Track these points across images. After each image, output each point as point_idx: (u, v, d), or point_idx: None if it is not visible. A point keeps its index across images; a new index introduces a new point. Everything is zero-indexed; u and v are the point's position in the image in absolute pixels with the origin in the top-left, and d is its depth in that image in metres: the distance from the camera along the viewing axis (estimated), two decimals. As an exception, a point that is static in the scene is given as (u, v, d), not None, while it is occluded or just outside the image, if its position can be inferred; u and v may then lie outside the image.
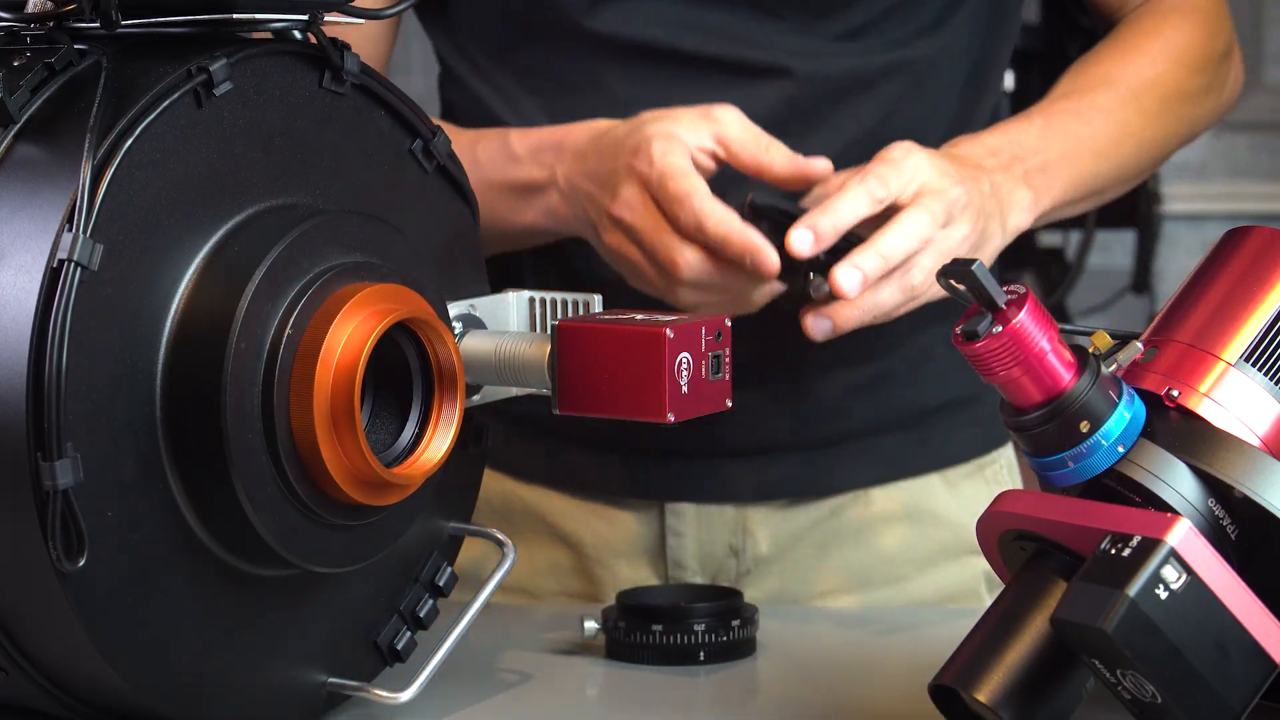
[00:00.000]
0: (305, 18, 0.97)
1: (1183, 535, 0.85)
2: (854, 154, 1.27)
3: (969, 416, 1.37)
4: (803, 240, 1.15)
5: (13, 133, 0.90)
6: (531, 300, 1.08)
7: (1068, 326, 0.93)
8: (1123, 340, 0.92)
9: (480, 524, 1.08)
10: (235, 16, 0.94)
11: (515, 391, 1.07)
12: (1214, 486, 0.89)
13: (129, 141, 0.89)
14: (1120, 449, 0.89)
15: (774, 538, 1.35)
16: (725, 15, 1.28)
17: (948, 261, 0.92)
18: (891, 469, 1.36)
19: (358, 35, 1.05)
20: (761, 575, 1.35)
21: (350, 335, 0.92)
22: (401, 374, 0.98)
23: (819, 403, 1.34)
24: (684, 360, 0.97)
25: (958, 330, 0.90)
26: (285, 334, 0.92)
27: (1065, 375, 0.89)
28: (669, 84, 1.28)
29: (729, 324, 1.00)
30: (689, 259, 1.18)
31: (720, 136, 1.21)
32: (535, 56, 1.31)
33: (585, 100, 1.29)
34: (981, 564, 1.33)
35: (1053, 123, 1.30)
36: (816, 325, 1.18)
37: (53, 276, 0.86)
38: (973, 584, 1.36)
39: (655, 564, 1.35)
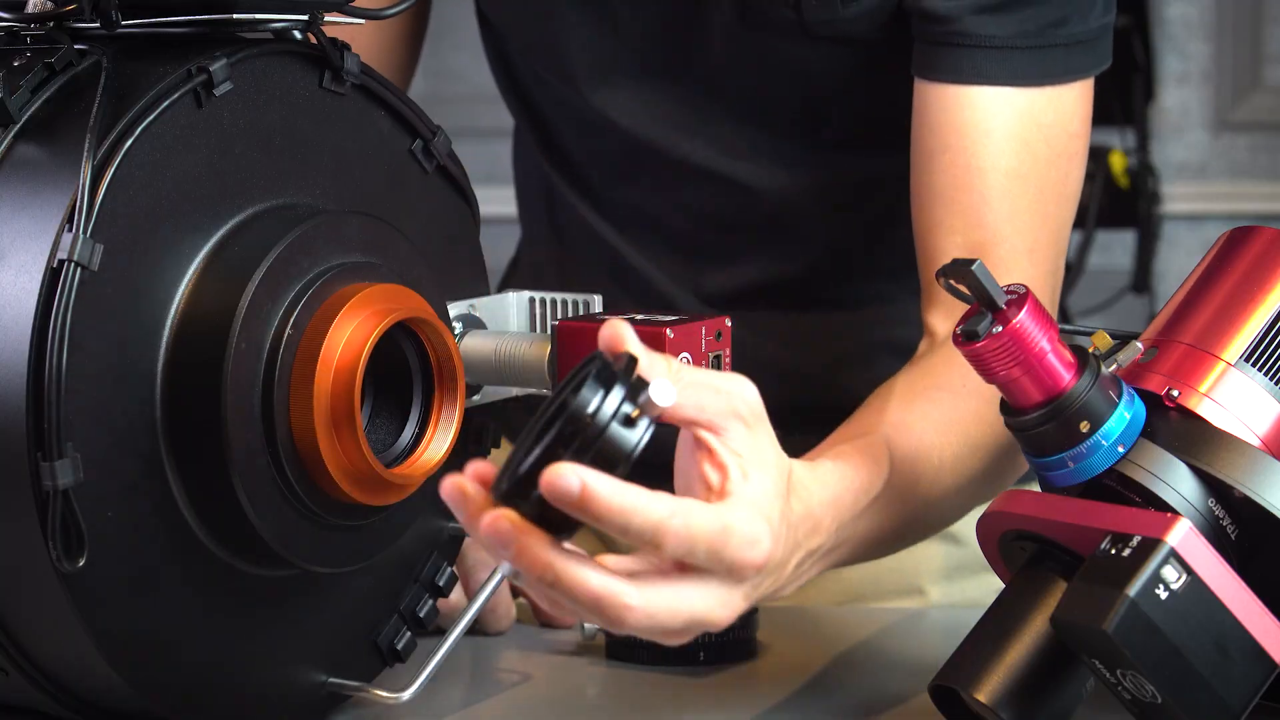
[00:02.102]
0: (305, 18, 0.97)
1: (1183, 535, 0.85)
2: (836, 268, 1.26)
3: None
4: (566, 484, 0.78)
5: (13, 133, 0.90)
6: (531, 300, 1.08)
7: (1068, 326, 0.93)
8: (1123, 340, 0.92)
9: None
10: (235, 16, 0.94)
11: (515, 391, 1.07)
12: (1214, 486, 0.89)
13: (129, 142, 0.89)
14: (1120, 449, 0.89)
15: None
16: (700, 116, 1.26)
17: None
18: None
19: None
20: None
21: (350, 335, 0.92)
22: (401, 374, 0.98)
23: (825, 432, 1.30)
24: (684, 360, 0.97)
25: (958, 330, 0.90)
26: (285, 334, 0.92)
27: (1065, 375, 0.89)
28: (644, 175, 1.29)
29: (729, 324, 1.00)
30: None
31: None
32: (562, 93, 1.31)
33: (603, 144, 1.30)
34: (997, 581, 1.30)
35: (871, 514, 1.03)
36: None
37: (53, 276, 0.86)
38: (988, 600, 1.34)
39: None
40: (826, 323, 1.31)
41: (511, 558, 0.79)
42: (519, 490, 0.78)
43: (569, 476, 0.78)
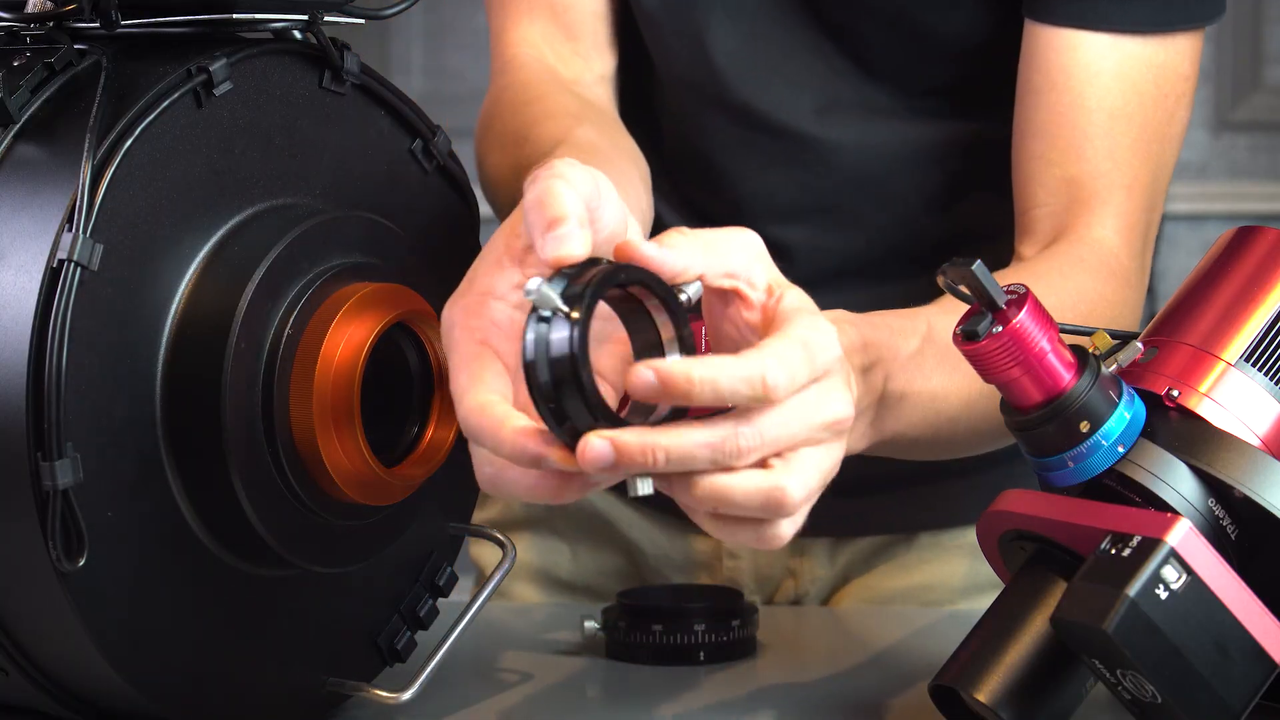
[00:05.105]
0: (305, 18, 0.97)
1: (1183, 535, 0.85)
2: (906, 234, 1.24)
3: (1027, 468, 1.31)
4: (598, 453, 0.77)
5: (13, 133, 0.90)
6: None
7: (1068, 326, 0.93)
8: (1123, 340, 0.92)
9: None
10: (235, 16, 0.94)
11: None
12: (1214, 486, 0.89)
13: (129, 141, 0.89)
14: (1120, 449, 0.89)
15: (831, 562, 1.34)
16: (801, 56, 1.23)
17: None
18: (937, 515, 1.32)
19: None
20: (820, 595, 1.35)
21: (350, 335, 0.92)
22: (401, 374, 0.98)
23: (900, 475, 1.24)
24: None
25: (958, 330, 0.90)
26: (285, 334, 0.92)
27: (1065, 375, 0.89)
28: (731, 131, 1.25)
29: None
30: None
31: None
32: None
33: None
34: None
35: (938, 355, 1.05)
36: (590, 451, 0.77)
37: (53, 276, 0.86)
38: None
39: (713, 579, 1.34)
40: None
41: (664, 462, 0.77)
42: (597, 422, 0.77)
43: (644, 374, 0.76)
